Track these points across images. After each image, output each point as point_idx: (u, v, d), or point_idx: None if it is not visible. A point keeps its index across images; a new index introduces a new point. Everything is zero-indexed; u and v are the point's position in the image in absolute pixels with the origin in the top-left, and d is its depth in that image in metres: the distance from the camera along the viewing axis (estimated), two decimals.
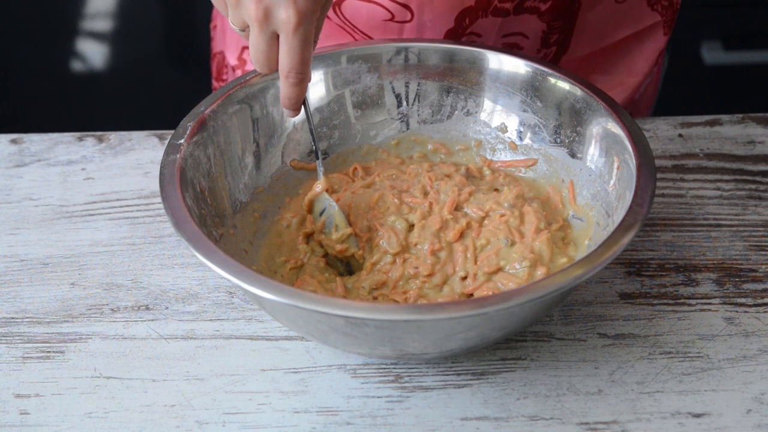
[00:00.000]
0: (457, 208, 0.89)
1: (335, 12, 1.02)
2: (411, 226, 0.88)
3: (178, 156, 0.84)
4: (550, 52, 1.05)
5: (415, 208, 0.89)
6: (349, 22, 1.02)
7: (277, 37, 0.81)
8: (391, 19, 1.00)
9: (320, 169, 0.90)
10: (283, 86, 0.83)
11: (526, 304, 0.73)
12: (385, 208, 0.89)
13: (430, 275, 0.85)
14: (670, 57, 1.85)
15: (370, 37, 1.01)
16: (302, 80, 0.82)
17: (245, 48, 1.11)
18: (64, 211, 0.98)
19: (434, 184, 0.91)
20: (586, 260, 0.75)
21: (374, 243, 0.87)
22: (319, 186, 0.89)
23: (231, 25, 0.83)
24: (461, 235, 0.87)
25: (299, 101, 0.84)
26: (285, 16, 0.78)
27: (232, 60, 1.14)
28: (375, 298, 0.85)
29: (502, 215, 0.87)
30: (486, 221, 0.88)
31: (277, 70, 0.83)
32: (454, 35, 1.01)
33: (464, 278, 0.85)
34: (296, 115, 0.86)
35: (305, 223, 0.90)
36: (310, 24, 0.79)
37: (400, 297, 0.84)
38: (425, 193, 0.90)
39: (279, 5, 0.78)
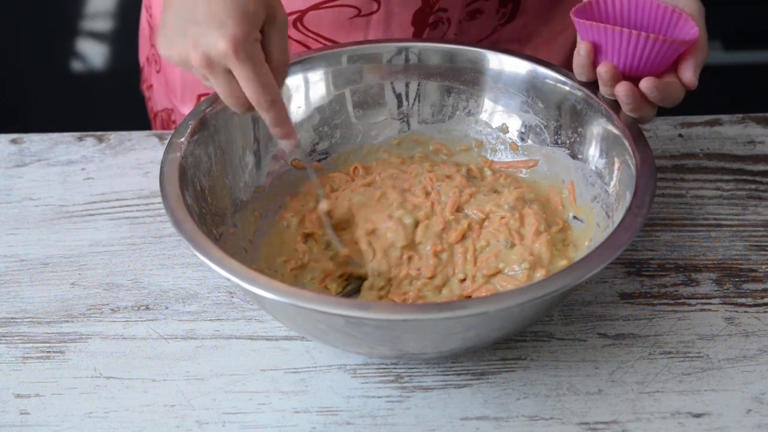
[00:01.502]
0: (458, 209, 0.89)
1: (296, 28, 1.01)
2: (416, 224, 0.88)
3: (178, 154, 0.84)
4: (507, 10, 1.05)
5: (418, 206, 0.89)
6: (313, 32, 1.01)
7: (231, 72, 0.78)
8: (358, 15, 1.00)
9: (320, 192, 0.89)
10: (264, 116, 0.81)
11: (525, 305, 0.73)
12: (388, 204, 0.89)
13: (431, 277, 0.85)
14: None
15: (335, 41, 1.01)
16: (273, 102, 0.79)
17: (202, 96, 1.08)
18: (64, 211, 0.98)
19: (435, 185, 0.91)
20: (584, 262, 0.75)
21: (380, 232, 0.87)
22: (322, 205, 0.88)
23: (205, 83, 0.81)
24: (462, 237, 0.87)
25: (285, 122, 0.81)
26: (222, 49, 0.76)
27: (188, 112, 1.11)
28: (380, 298, 0.85)
29: (502, 217, 0.87)
30: (486, 223, 0.88)
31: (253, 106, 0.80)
32: (421, 16, 1.00)
33: (463, 280, 0.85)
34: (295, 142, 0.83)
35: (305, 224, 0.90)
36: (250, 45, 0.77)
37: (399, 298, 0.84)
38: (426, 194, 0.90)
39: (211, 42, 0.77)
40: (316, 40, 1.02)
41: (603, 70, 0.84)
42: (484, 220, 0.88)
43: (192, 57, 0.78)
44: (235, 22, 0.76)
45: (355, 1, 0.99)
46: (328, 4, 0.99)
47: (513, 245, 0.85)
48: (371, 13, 1.00)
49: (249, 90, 0.79)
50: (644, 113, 0.84)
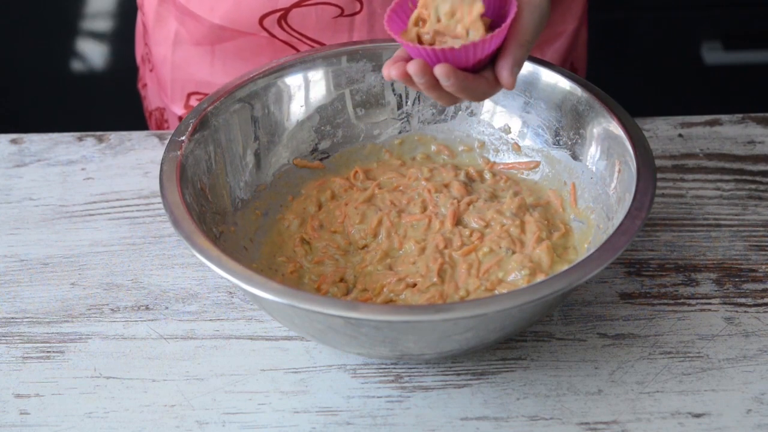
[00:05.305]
0: (458, 222, 0.88)
1: (281, 27, 1.01)
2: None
3: (179, 153, 0.84)
4: None
5: (414, 226, 0.88)
6: (297, 32, 1.01)
7: None
8: (341, 15, 1.00)
9: None
10: None
11: (522, 307, 0.73)
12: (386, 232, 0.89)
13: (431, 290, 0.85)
14: (669, 57, 1.84)
15: (320, 42, 1.01)
16: None
17: (191, 94, 1.09)
18: (64, 211, 0.98)
19: (433, 196, 0.90)
20: (581, 265, 0.75)
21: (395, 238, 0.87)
22: None
23: None
24: (468, 252, 0.86)
25: None
26: None
27: (178, 111, 1.11)
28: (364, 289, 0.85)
29: (503, 225, 0.87)
30: (487, 230, 0.88)
31: None
32: None
33: (463, 297, 0.84)
34: None
35: (305, 228, 0.90)
36: None
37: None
38: (424, 209, 0.90)
39: None
40: (300, 40, 1.02)
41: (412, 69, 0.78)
42: (485, 227, 0.88)
43: None
44: None
45: (338, 0, 0.99)
46: (310, 2, 0.99)
47: (513, 252, 0.85)
48: (354, 14, 1.00)
49: None
50: (442, 98, 0.80)
